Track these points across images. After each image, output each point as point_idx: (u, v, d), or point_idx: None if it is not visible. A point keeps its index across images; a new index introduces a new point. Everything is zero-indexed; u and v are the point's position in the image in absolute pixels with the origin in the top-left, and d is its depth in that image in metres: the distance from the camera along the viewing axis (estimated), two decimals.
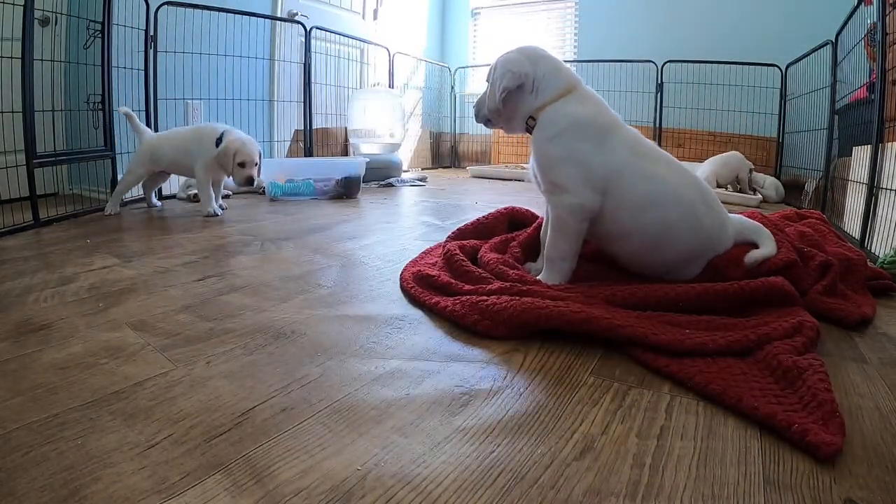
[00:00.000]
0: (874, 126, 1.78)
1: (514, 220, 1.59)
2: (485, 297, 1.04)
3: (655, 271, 1.17)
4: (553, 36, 4.71)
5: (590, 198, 1.10)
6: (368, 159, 3.13)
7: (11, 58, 1.85)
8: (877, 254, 1.59)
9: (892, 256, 1.38)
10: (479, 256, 1.32)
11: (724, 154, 3.28)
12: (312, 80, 3.39)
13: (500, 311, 0.98)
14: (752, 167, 3.18)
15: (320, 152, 3.67)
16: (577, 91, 1.15)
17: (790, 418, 0.67)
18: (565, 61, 4.64)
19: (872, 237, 1.71)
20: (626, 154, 1.11)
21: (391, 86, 4.22)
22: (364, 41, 3.99)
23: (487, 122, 1.25)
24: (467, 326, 1.00)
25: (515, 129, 1.22)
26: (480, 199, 2.87)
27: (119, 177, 2.40)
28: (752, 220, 1.23)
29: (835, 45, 2.66)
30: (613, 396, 0.78)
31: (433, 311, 1.09)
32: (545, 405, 0.75)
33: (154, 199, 2.46)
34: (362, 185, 2.93)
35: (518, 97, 1.16)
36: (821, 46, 2.85)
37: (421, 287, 1.19)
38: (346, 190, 2.75)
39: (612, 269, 1.27)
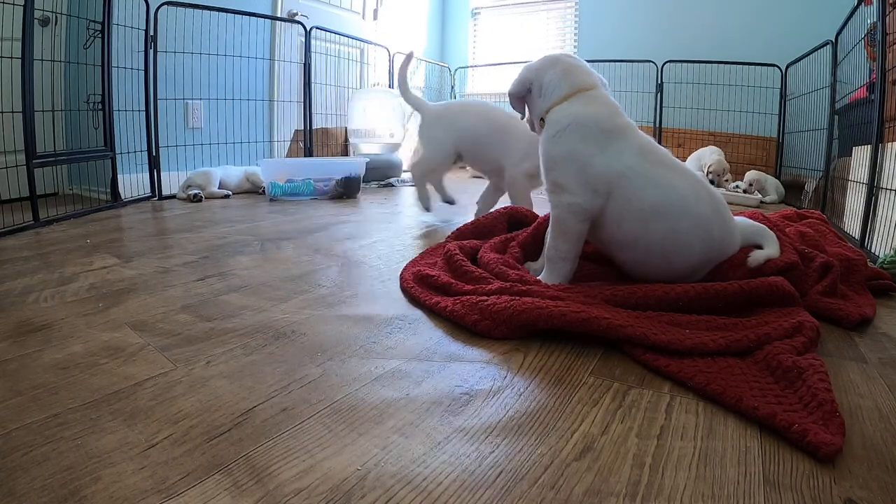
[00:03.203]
0: (874, 126, 1.78)
1: (513, 220, 1.59)
2: (485, 297, 1.04)
3: (661, 280, 1.12)
4: (553, 36, 4.71)
5: (590, 199, 1.09)
6: (368, 159, 3.13)
7: (11, 58, 1.86)
8: (877, 254, 1.59)
9: (892, 256, 1.38)
10: (478, 256, 1.32)
11: (701, 149, 3.42)
12: (312, 80, 3.39)
13: (499, 311, 0.98)
14: (721, 170, 3.19)
15: (320, 152, 3.67)
16: (587, 93, 1.14)
17: (790, 418, 0.67)
18: None
19: (872, 237, 1.71)
20: (634, 159, 1.09)
21: (391, 86, 4.22)
22: (364, 41, 3.99)
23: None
24: (467, 326, 1.00)
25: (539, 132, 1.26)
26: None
27: (119, 176, 2.41)
28: (755, 222, 1.23)
29: (835, 45, 2.66)
30: (613, 396, 0.78)
31: (433, 311, 1.09)
32: (545, 405, 0.75)
33: (450, 192, 1.96)
34: (362, 185, 2.93)
35: (531, 102, 1.23)
36: (821, 46, 2.85)
37: (421, 287, 1.19)
38: (346, 190, 2.75)
39: (613, 270, 1.27)
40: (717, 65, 3.78)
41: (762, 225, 1.22)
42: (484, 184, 2.14)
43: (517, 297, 1.01)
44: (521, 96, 1.23)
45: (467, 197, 2.99)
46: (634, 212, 1.08)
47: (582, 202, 1.09)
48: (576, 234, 1.12)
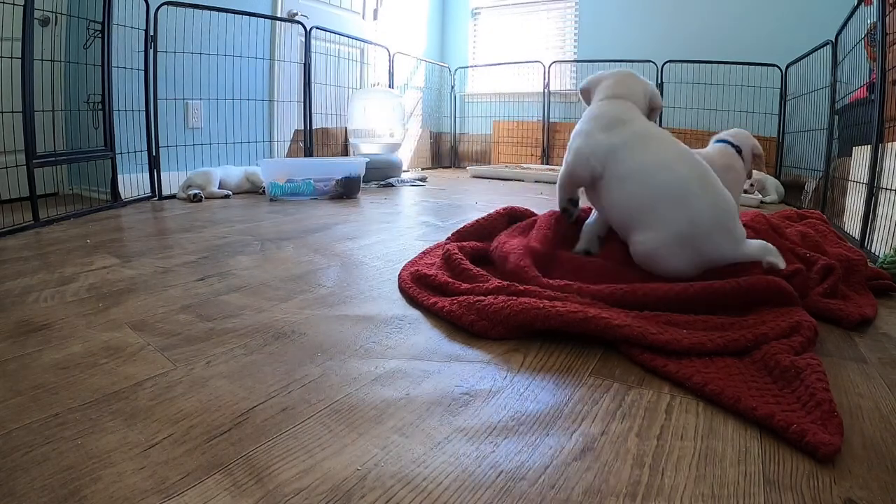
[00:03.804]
0: (874, 126, 1.78)
1: (513, 219, 1.59)
2: (482, 297, 1.04)
3: (641, 259, 1.24)
4: (553, 36, 4.71)
5: (585, 162, 1.32)
6: (368, 159, 3.13)
7: (11, 58, 1.85)
8: (877, 254, 1.59)
9: (891, 256, 1.38)
10: (498, 246, 1.35)
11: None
12: (312, 80, 3.39)
13: (496, 312, 0.98)
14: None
15: (320, 152, 3.67)
16: (613, 99, 1.40)
17: (788, 418, 0.67)
18: (565, 61, 4.57)
19: (872, 237, 1.71)
20: (627, 137, 1.29)
21: (391, 86, 4.22)
22: (364, 41, 3.99)
23: None
24: (464, 327, 1.00)
25: None
26: (480, 199, 2.87)
27: (119, 176, 2.41)
28: (759, 240, 1.23)
29: (835, 45, 2.66)
30: (613, 396, 0.78)
31: (431, 312, 1.09)
32: (545, 405, 0.75)
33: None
34: (362, 185, 2.94)
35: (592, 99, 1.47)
36: (821, 46, 2.85)
37: (419, 287, 1.19)
38: (346, 190, 2.75)
39: (627, 269, 1.27)
40: (717, 65, 3.79)
41: (762, 241, 1.22)
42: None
43: (514, 298, 1.01)
44: (587, 93, 1.50)
45: (467, 197, 2.99)
46: (616, 177, 1.27)
47: (579, 163, 1.34)
48: (568, 189, 1.41)
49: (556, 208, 1.48)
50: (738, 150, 1.75)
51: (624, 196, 1.27)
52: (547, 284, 1.12)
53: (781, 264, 1.14)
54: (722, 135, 1.82)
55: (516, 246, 1.32)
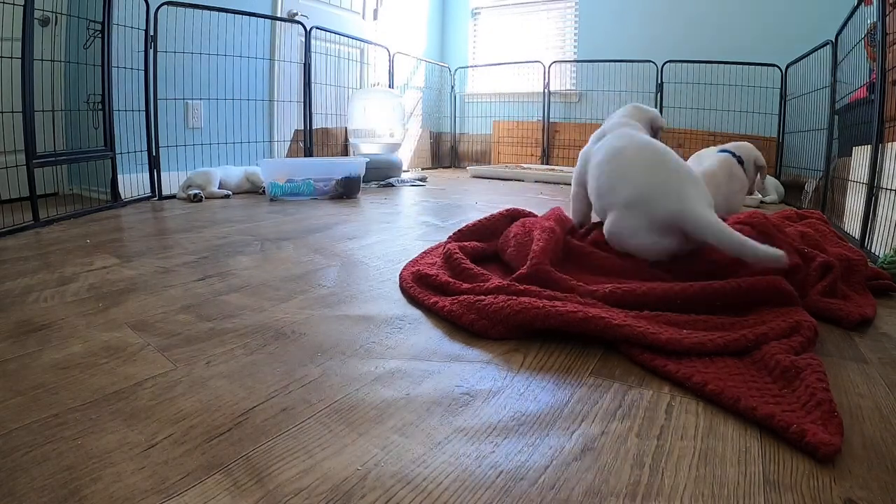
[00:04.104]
0: (874, 126, 1.78)
1: (515, 221, 1.59)
2: (482, 297, 1.04)
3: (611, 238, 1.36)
4: (553, 36, 4.71)
5: (581, 168, 1.54)
6: (368, 159, 3.13)
7: (11, 58, 1.86)
8: (877, 254, 1.59)
9: (891, 256, 1.38)
10: (520, 231, 1.41)
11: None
12: (312, 80, 3.39)
13: (496, 311, 0.98)
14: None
15: (320, 152, 3.67)
16: (612, 121, 1.57)
17: (788, 418, 0.67)
18: (566, 61, 4.58)
19: (872, 237, 1.71)
20: (605, 140, 1.46)
21: (391, 86, 4.22)
22: (364, 41, 3.99)
23: None
24: (464, 326, 1.00)
25: None
26: (480, 200, 2.87)
27: (119, 176, 2.41)
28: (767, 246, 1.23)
29: (835, 45, 2.66)
30: (613, 396, 0.78)
31: (431, 311, 1.09)
32: (545, 405, 0.75)
33: None
34: (362, 185, 2.94)
35: None
36: (821, 46, 2.85)
37: (420, 287, 1.19)
38: (346, 190, 2.75)
39: (630, 261, 1.27)
40: (717, 65, 3.79)
41: (773, 248, 1.21)
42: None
43: (514, 297, 1.01)
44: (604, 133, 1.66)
45: (467, 197, 2.99)
46: (590, 173, 1.46)
47: (578, 171, 1.57)
48: (575, 193, 1.59)
49: (558, 206, 1.61)
50: (740, 161, 1.85)
51: (592, 186, 1.45)
52: (559, 278, 1.14)
53: (784, 261, 1.14)
54: (727, 146, 1.89)
55: (538, 230, 1.34)
